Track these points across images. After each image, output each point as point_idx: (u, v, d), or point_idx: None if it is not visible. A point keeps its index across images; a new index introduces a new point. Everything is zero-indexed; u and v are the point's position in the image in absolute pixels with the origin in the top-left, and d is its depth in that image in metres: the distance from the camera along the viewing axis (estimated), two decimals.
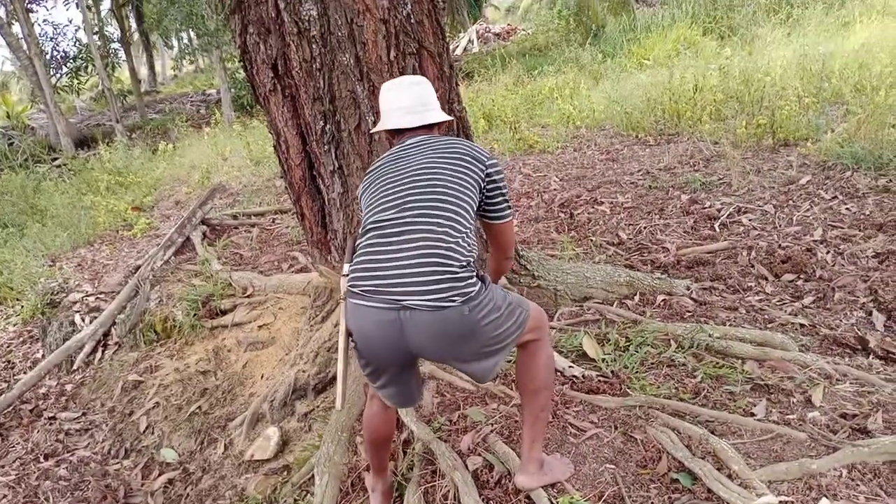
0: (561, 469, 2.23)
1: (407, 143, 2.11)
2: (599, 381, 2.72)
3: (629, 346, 2.96)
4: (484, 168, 2.02)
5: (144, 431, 3.74)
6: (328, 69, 2.79)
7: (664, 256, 4.45)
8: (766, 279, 3.94)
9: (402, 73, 2.86)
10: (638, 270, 4.26)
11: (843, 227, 4.41)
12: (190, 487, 3.25)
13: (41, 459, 3.73)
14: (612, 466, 2.26)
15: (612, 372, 2.79)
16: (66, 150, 13.03)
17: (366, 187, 2.06)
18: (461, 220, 1.88)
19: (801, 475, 2.08)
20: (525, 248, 4.54)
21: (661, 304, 3.58)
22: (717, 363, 2.77)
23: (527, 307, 2.02)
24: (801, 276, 3.90)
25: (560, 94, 9.76)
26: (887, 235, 4.16)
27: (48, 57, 15.06)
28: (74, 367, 4.47)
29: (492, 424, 2.54)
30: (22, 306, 5.76)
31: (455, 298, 1.76)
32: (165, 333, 4.39)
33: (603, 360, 2.90)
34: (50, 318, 5.00)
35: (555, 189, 6.46)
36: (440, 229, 1.83)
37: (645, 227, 5.07)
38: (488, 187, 2.04)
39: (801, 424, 2.35)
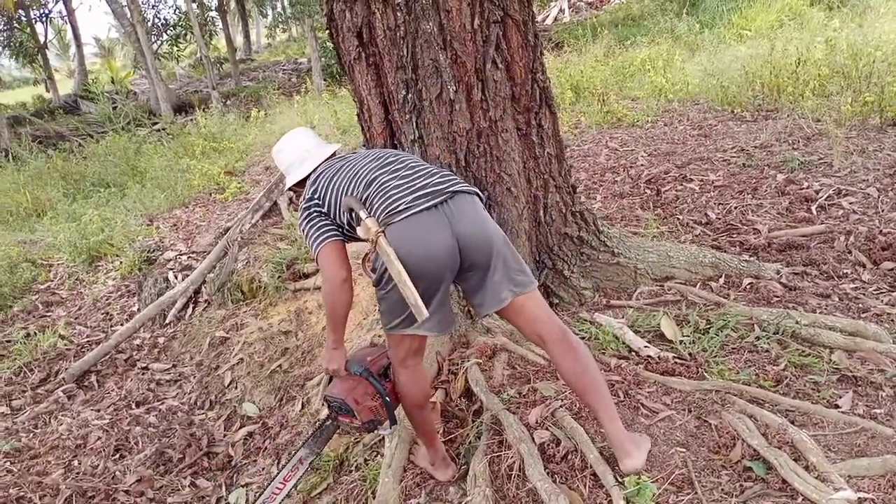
0: (642, 442, 2.21)
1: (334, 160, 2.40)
2: (675, 362, 2.65)
3: (709, 328, 2.86)
4: None
5: (229, 385, 3.93)
6: (412, 37, 2.79)
7: (754, 238, 4.27)
8: (864, 266, 3.72)
9: (485, 42, 2.83)
10: (725, 252, 4.10)
11: None
12: (268, 441, 3.40)
13: (133, 406, 3.99)
14: (683, 450, 2.21)
15: (689, 354, 2.72)
16: (165, 114, 13.65)
17: (328, 190, 2.25)
18: None
19: (884, 472, 1.97)
20: (607, 224, 4.46)
21: (748, 287, 3.44)
22: (803, 351, 2.65)
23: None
24: None
25: (652, 65, 9.41)
26: None
27: (149, 24, 15.73)
28: (167, 322, 4.74)
29: (561, 399, 2.53)
30: (121, 262, 6.13)
31: (477, 191, 2.16)
32: (251, 293, 4.58)
33: (681, 341, 2.83)
34: (146, 274, 5.31)
35: (642, 164, 6.28)
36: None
37: (736, 207, 4.86)
38: None
39: (888, 420, 2.22)
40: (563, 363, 2.13)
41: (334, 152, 2.47)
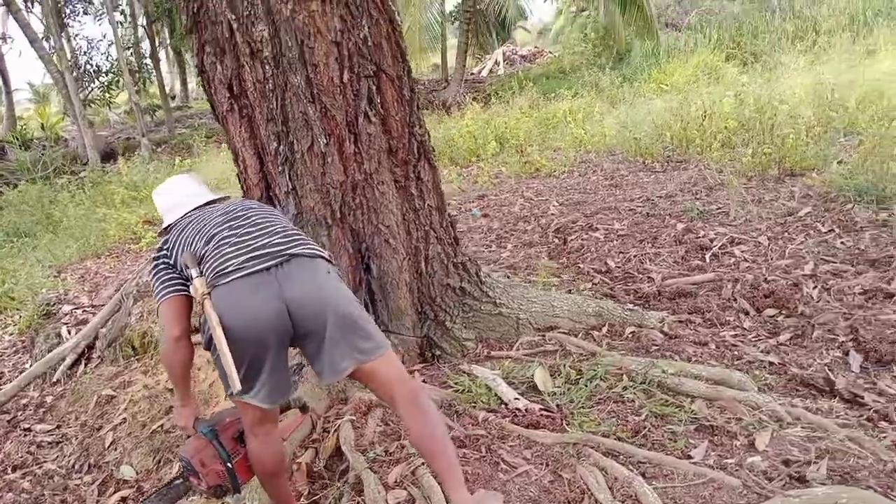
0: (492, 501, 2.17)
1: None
2: (542, 414, 2.64)
3: (580, 379, 2.87)
4: None
5: (109, 447, 3.75)
6: (281, 90, 2.79)
7: (648, 286, 4.35)
8: (748, 313, 3.82)
9: (356, 96, 2.86)
10: (619, 300, 4.17)
11: (835, 262, 4.27)
12: None
13: (9, 471, 3.76)
14: None
15: (557, 406, 2.71)
16: (92, 162, 13.36)
17: (177, 242, 2.19)
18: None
19: None
20: (493, 274, 4.49)
21: (630, 336, 3.48)
22: (666, 401, 2.67)
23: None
24: (783, 312, 3.77)
25: (573, 118, 9.70)
26: (878, 272, 4.01)
27: (81, 70, 15.50)
28: (55, 379, 4.52)
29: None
30: (20, 316, 5.86)
31: (324, 254, 2.09)
32: (143, 349, 4.42)
33: (552, 392, 2.82)
34: (37, 329, 5.08)
35: (553, 214, 6.39)
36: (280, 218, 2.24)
37: (635, 256, 4.97)
38: None
39: (737, 470, 2.24)
40: (411, 426, 2.09)
41: (213, 201, 2.40)
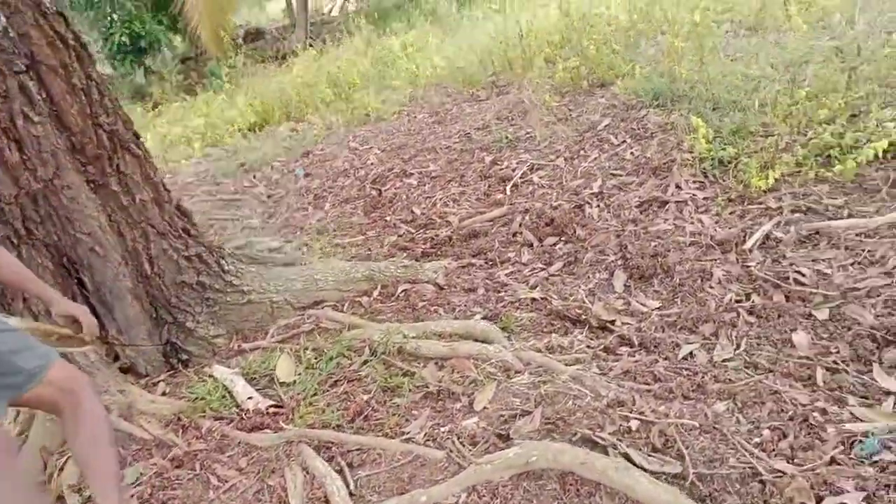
0: None
1: None
2: (270, 412, 2.47)
3: (320, 361, 2.72)
4: None
5: None
6: None
7: (445, 231, 4.23)
8: (532, 246, 3.76)
9: (6, 98, 2.48)
10: (414, 251, 4.03)
11: (622, 175, 4.23)
12: None
13: None
14: None
15: (290, 398, 2.55)
16: None
17: None
18: None
19: None
20: (287, 246, 4.27)
21: (401, 295, 3.35)
22: (400, 370, 2.55)
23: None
24: (563, 238, 3.72)
25: (405, 53, 9.36)
26: (658, 179, 4.00)
27: None
28: None
29: (139, 485, 2.28)
30: None
31: None
32: None
33: (292, 382, 2.66)
34: None
35: (372, 163, 6.15)
36: None
37: (440, 199, 4.82)
38: None
39: (447, 439, 2.15)
40: (69, 439, 1.89)
41: None
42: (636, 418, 2.06)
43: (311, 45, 11.67)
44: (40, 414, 2.79)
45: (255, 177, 7.03)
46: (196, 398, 2.64)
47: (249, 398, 2.55)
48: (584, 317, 2.87)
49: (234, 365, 2.82)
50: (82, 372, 2.00)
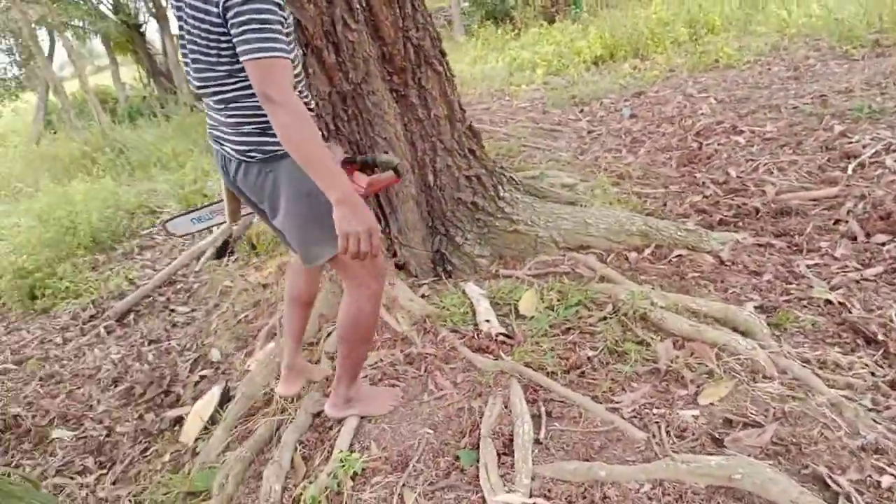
0: (374, 405, 2.27)
1: None
2: (497, 339, 2.51)
3: (562, 304, 2.65)
4: (219, 9, 1.61)
5: (212, 330, 4.34)
6: None
7: (754, 201, 3.77)
8: (854, 239, 3.17)
9: (329, 3, 2.75)
10: (714, 216, 3.68)
11: None
12: (214, 385, 3.74)
13: (146, 344, 4.55)
14: (431, 432, 2.14)
15: (519, 331, 2.56)
16: None
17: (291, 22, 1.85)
18: (229, 82, 1.76)
19: (585, 480, 1.78)
20: (579, 185, 4.19)
21: (674, 259, 3.09)
22: (634, 337, 2.38)
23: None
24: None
25: None
26: None
27: None
28: (198, 269, 5.27)
29: (374, 368, 2.54)
30: None
31: (253, 154, 1.81)
32: (260, 247, 4.94)
33: (531, 317, 2.66)
34: None
35: (703, 113, 5.69)
36: (227, 92, 1.77)
37: (764, 165, 4.29)
38: (231, 23, 1.61)
39: (656, 423, 1.96)
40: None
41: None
42: (893, 475, 1.65)
43: None
44: (327, 285, 3.25)
45: (581, 111, 6.99)
46: (443, 308, 2.81)
47: (486, 321, 2.62)
48: (883, 337, 2.34)
49: (486, 287, 2.91)
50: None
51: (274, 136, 1.67)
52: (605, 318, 2.52)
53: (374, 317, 2.06)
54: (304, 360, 2.64)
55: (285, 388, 2.55)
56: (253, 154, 1.80)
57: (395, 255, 3.30)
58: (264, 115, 1.68)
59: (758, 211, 3.62)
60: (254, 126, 1.77)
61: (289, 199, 1.82)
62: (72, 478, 3.09)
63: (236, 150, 1.82)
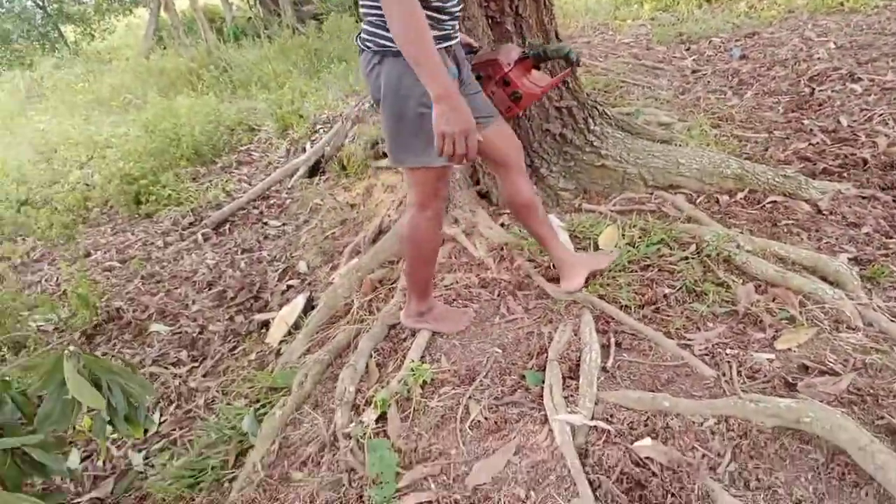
0: (445, 323, 2.35)
1: None
2: None
3: (644, 241, 2.62)
4: None
5: (301, 244, 4.53)
6: None
7: (864, 151, 3.55)
8: None
9: None
10: (818, 164, 3.49)
11: None
12: (300, 294, 3.94)
13: (239, 252, 4.80)
14: (500, 351, 2.20)
15: None
16: None
17: None
18: None
19: (649, 409, 1.80)
20: (676, 125, 4.04)
21: (767, 206, 2.97)
22: (714, 279, 2.33)
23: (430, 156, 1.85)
24: None
25: None
26: None
27: None
28: (290, 186, 5.47)
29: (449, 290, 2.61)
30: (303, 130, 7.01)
31: (369, 44, 1.84)
32: (350, 167, 5.07)
33: (610, 251, 2.64)
34: (292, 141, 6.08)
35: (819, 58, 5.32)
36: None
37: (879, 115, 4.02)
38: None
39: (727, 361, 1.95)
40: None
41: None
42: None
43: None
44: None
45: (688, 49, 6.67)
46: (522, 237, 2.83)
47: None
48: None
49: (567, 220, 2.90)
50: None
51: (387, 30, 1.71)
52: (686, 258, 2.47)
53: (431, 237, 2.13)
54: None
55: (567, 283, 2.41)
56: (368, 44, 1.84)
57: (477, 182, 3.32)
58: (381, 10, 1.69)
59: (866, 162, 3.41)
60: (375, 17, 1.80)
61: (386, 97, 1.87)
62: (166, 368, 3.35)
63: (361, 39, 1.89)
